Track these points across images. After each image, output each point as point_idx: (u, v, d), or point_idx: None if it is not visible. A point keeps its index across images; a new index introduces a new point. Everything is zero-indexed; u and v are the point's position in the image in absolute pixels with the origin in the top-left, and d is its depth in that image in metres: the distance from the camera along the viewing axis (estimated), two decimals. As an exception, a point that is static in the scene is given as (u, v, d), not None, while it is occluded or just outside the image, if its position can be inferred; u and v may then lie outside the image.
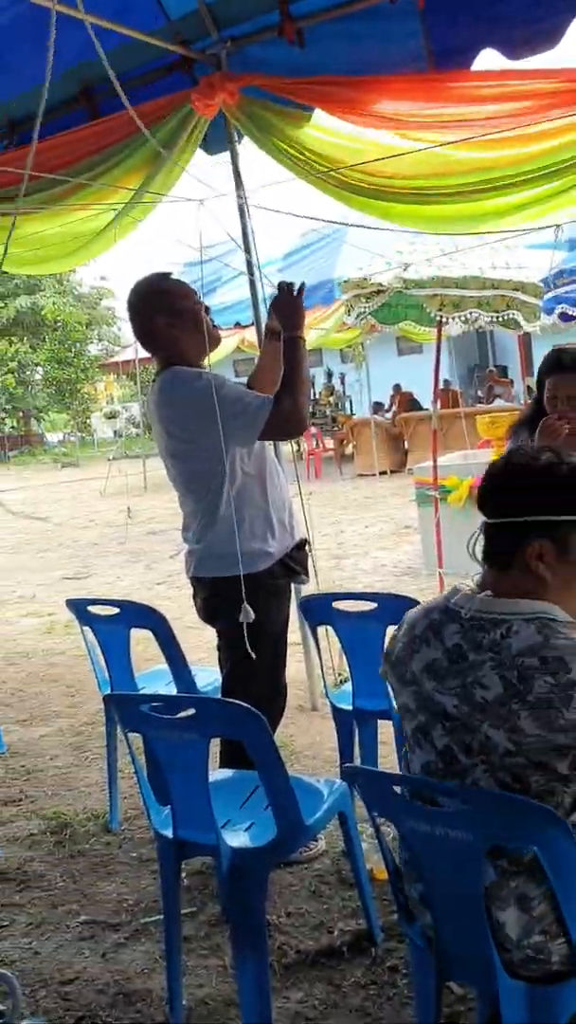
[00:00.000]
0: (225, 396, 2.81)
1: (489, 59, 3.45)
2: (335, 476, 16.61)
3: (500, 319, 6.00)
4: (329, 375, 20.74)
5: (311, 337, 14.78)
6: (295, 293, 3.01)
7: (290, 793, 2.28)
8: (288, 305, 2.97)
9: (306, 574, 3.21)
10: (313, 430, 18.05)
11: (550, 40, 3.28)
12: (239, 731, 2.30)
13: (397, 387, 19.47)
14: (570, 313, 6.48)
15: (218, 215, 3.85)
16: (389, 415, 17.40)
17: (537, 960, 1.64)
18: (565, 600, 1.70)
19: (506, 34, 3.35)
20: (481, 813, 1.58)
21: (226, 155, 4.38)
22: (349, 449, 17.55)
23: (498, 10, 3.38)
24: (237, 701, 2.27)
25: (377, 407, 17.02)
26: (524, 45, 3.33)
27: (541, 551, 1.67)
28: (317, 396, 20.11)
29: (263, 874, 2.35)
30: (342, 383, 20.88)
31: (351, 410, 20.29)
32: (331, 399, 19.87)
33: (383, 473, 14.97)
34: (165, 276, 3.04)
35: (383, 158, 3.62)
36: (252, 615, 2.88)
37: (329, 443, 18.49)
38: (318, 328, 13.73)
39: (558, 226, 3.32)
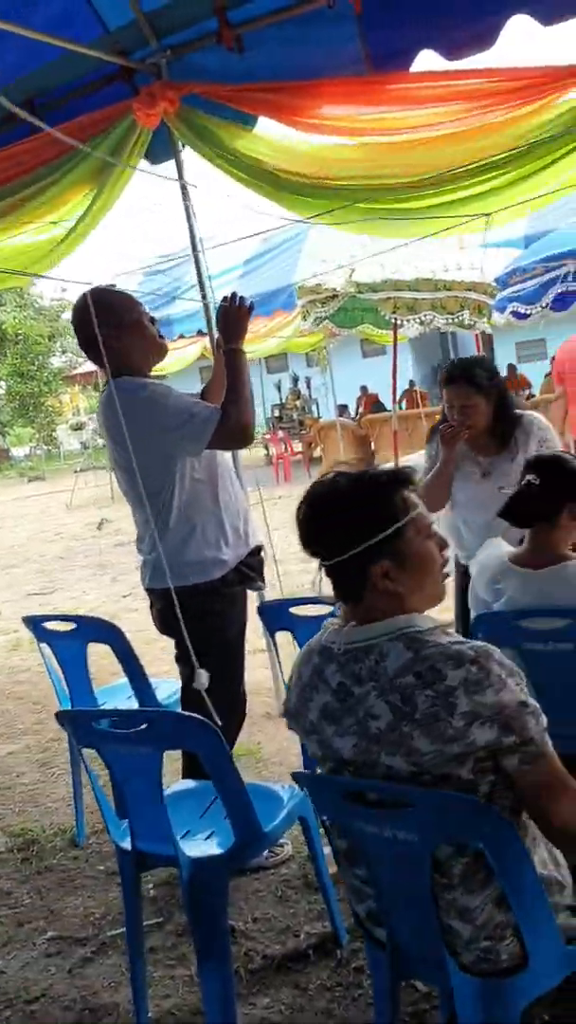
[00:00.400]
0: (171, 406, 2.81)
1: (427, 61, 3.47)
2: (304, 479, 16.62)
3: (455, 320, 6.04)
4: (295, 379, 20.78)
5: (275, 343, 14.80)
6: (242, 307, 3.02)
7: (246, 802, 2.28)
8: (230, 318, 2.99)
9: (262, 580, 3.22)
10: (280, 434, 18.08)
11: (486, 40, 3.30)
12: (192, 743, 2.30)
13: (364, 388, 19.54)
14: (521, 311, 6.53)
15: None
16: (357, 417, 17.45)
17: (487, 959, 1.66)
18: (421, 601, 1.72)
19: (443, 35, 3.37)
20: (427, 813, 1.59)
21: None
22: (317, 452, 17.57)
23: (434, 12, 3.40)
24: (190, 714, 2.27)
25: (342, 409, 17.06)
26: (461, 46, 3.35)
27: (384, 571, 1.67)
28: (284, 400, 20.16)
29: (223, 882, 2.35)
30: (308, 387, 20.93)
31: (318, 413, 20.34)
32: (297, 403, 19.92)
33: (351, 475, 14.97)
34: (108, 288, 3.04)
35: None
36: (206, 682, 2.89)
37: (297, 446, 18.50)
38: (276, 336, 13.76)
39: (487, 214, 3.37)
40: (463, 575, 3.67)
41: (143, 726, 2.24)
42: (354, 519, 1.68)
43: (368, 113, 3.47)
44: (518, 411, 3.42)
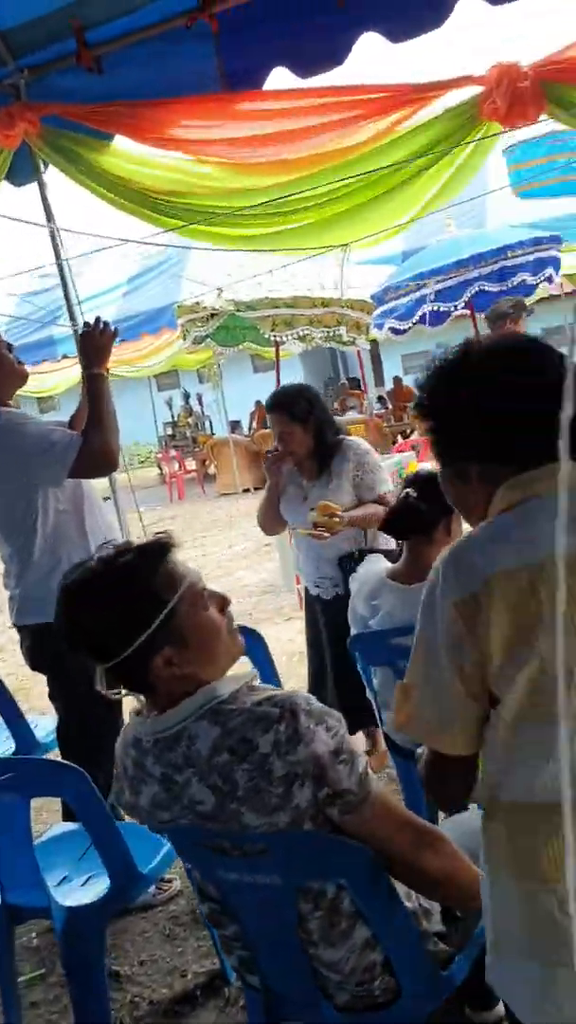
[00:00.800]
0: (29, 434, 2.72)
1: (281, 79, 3.48)
2: (198, 497, 16.54)
3: (333, 335, 6.09)
4: (186, 396, 20.68)
5: (163, 360, 14.71)
6: (106, 331, 2.97)
7: (119, 844, 2.19)
8: (93, 342, 2.92)
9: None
10: (173, 452, 17.97)
11: (337, 58, 3.33)
12: (58, 788, 2.21)
13: (258, 403, 19.56)
14: (398, 327, 6.62)
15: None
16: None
17: (361, 998, 1.63)
18: (216, 670, 1.62)
19: (294, 53, 3.39)
20: (283, 854, 1.54)
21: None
22: (212, 469, 17.52)
23: (286, 30, 3.42)
24: (54, 759, 2.18)
25: (234, 425, 17.06)
26: (313, 63, 3.38)
27: (167, 659, 1.56)
28: (175, 418, 20.03)
29: (99, 930, 2.26)
30: (200, 403, 20.85)
31: (211, 430, 20.28)
32: (190, 420, 19.82)
33: (246, 491, 15.01)
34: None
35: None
36: None
37: (190, 464, 18.41)
38: (152, 358, 13.74)
39: (345, 245, 3.43)
40: (307, 598, 3.75)
41: (7, 775, 2.13)
42: (117, 617, 1.54)
43: (222, 130, 3.47)
44: (340, 436, 3.53)
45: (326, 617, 3.61)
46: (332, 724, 1.53)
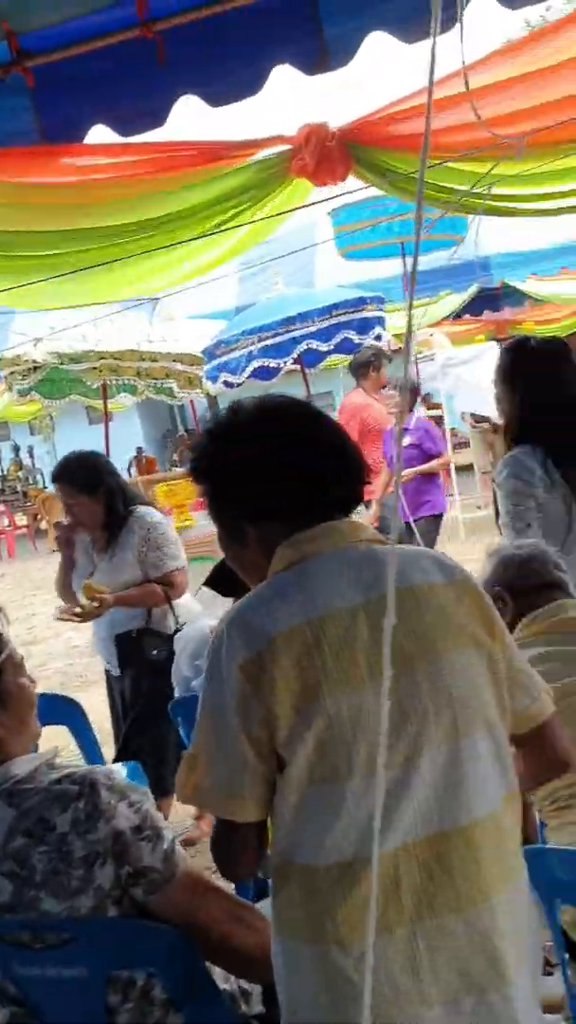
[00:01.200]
0: None
1: (102, 135, 3.48)
2: (29, 554, 16.00)
3: (160, 387, 6.09)
4: (16, 449, 20.12)
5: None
6: None
7: None
8: None
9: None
10: (1, 507, 17.38)
11: (158, 118, 3.36)
12: None
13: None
14: (231, 381, 6.71)
15: None
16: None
17: None
18: (22, 743, 1.58)
19: (114, 112, 3.39)
20: (89, 943, 1.45)
21: None
22: (43, 524, 17.02)
23: (106, 89, 3.42)
24: None
25: (67, 479, 16.70)
26: (133, 122, 3.39)
27: None
28: (4, 471, 19.44)
29: None
30: (31, 456, 20.32)
31: (43, 483, 19.77)
32: (20, 473, 19.26)
33: (79, 545, 14.64)
34: None
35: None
36: None
37: (21, 519, 17.82)
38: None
39: (155, 299, 3.46)
40: (106, 673, 3.63)
41: None
42: None
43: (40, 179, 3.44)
44: (133, 507, 3.41)
45: (119, 693, 3.51)
46: (135, 799, 1.47)
